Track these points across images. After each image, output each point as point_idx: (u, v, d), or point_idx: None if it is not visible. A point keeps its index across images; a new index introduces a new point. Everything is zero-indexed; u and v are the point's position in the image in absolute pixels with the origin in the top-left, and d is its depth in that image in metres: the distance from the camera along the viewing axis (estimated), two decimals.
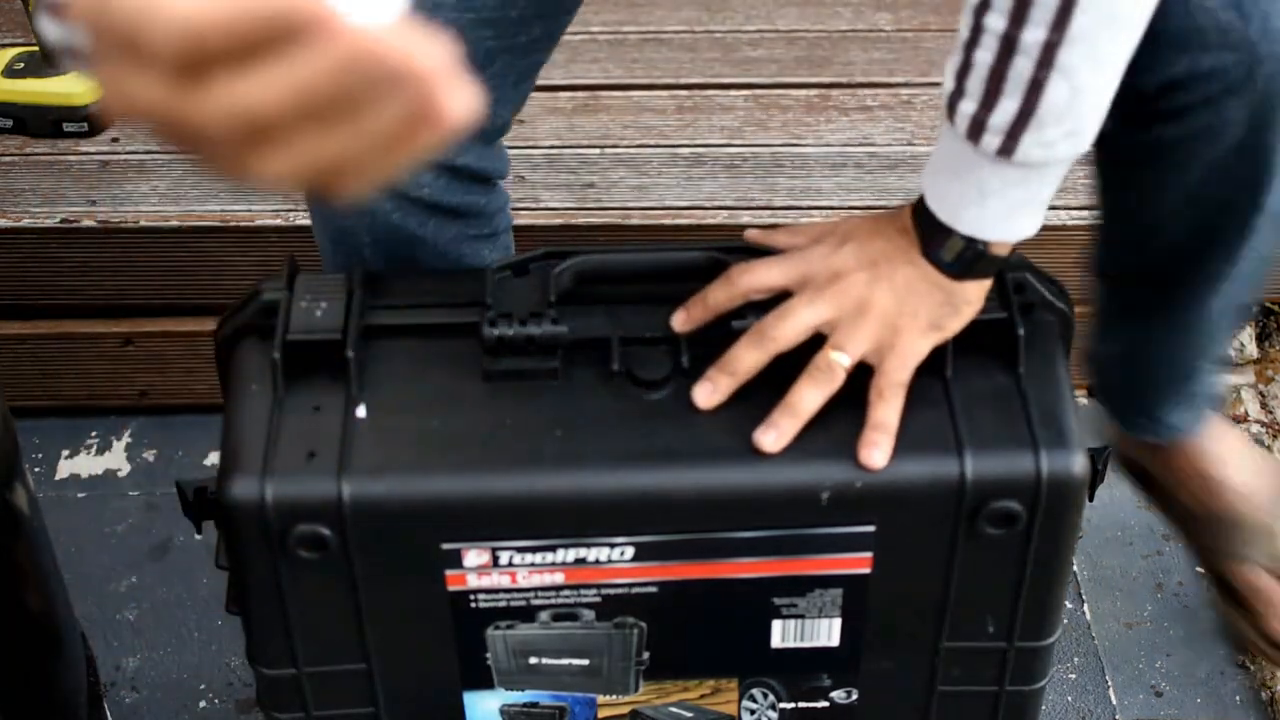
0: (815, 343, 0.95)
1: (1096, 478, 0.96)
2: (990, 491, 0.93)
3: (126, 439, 1.76)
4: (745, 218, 1.67)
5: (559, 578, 0.96)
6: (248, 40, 0.41)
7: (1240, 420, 1.72)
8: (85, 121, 1.75)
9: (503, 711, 1.03)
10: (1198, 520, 1.35)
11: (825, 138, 1.79)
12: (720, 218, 1.68)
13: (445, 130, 0.42)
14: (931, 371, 0.96)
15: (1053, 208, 1.66)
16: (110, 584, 1.59)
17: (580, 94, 1.87)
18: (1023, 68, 0.84)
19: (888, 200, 1.67)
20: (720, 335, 0.96)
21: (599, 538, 0.94)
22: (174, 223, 1.67)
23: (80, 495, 1.69)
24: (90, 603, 1.56)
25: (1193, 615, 1.56)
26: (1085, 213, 1.65)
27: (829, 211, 1.66)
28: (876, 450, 0.92)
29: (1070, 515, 0.95)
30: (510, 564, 0.95)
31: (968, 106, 0.88)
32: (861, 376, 0.94)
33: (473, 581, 0.96)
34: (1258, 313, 1.80)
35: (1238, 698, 1.49)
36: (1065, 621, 1.07)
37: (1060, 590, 1.00)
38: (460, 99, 0.42)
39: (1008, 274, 0.98)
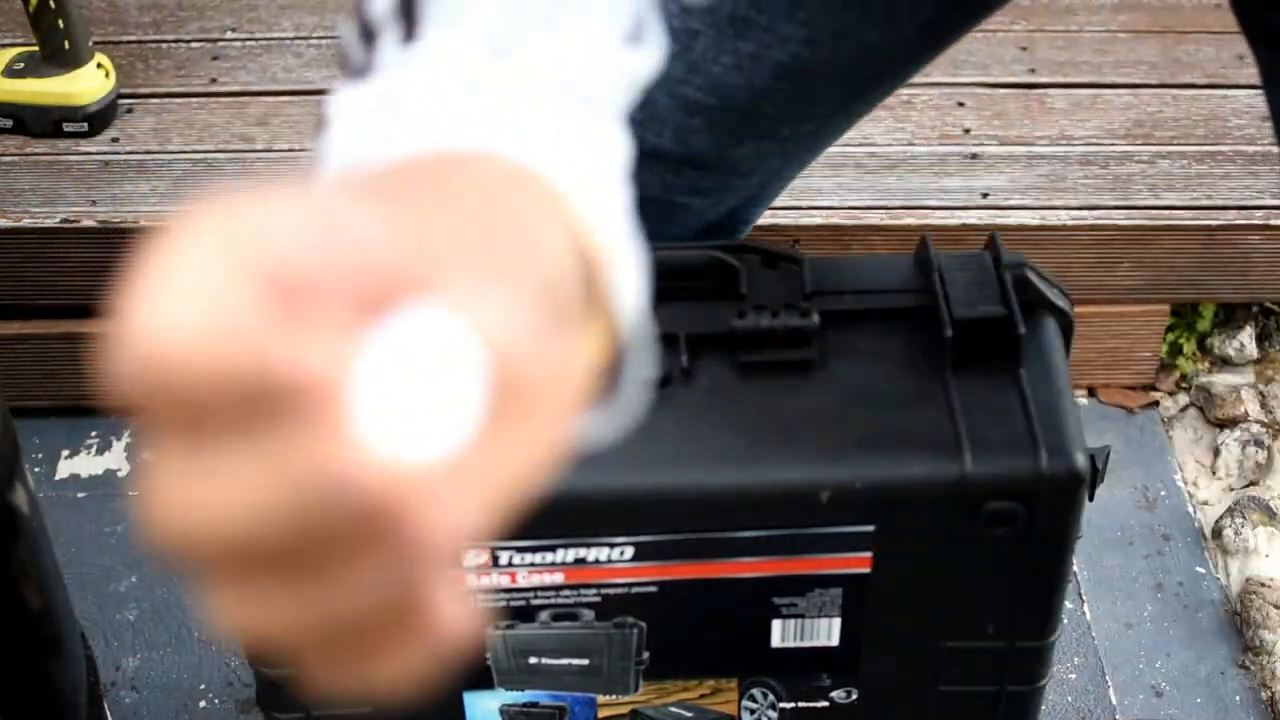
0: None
1: (1096, 477, 0.96)
2: (990, 491, 0.93)
3: (126, 439, 1.75)
4: None
5: (559, 577, 0.96)
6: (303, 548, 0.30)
7: (1240, 420, 1.72)
8: (85, 121, 1.75)
9: (502, 711, 1.03)
10: None
11: None
12: None
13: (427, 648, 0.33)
14: (932, 372, 0.96)
15: (1052, 208, 1.66)
16: (110, 584, 1.59)
17: None
18: None
19: (887, 201, 1.67)
20: (720, 335, 0.96)
21: (598, 538, 0.94)
22: None
23: (80, 495, 1.69)
24: (90, 603, 1.56)
25: (1193, 615, 1.56)
26: (1085, 213, 1.65)
27: (829, 212, 1.66)
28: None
29: (1070, 515, 0.95)
30: (510, 564, 0.95)
31: None
32: (866, 383, 0.94)
33: (472, 581, 0.96)
34: (1258, 312, 1.80)
35: (1238, 698, 1.49)
36: (1065, 621, 1.07)
37: (1060, 590, 1.00)
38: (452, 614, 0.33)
39: (1008, 273, 0.98)
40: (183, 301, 0.29)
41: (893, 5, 0.94)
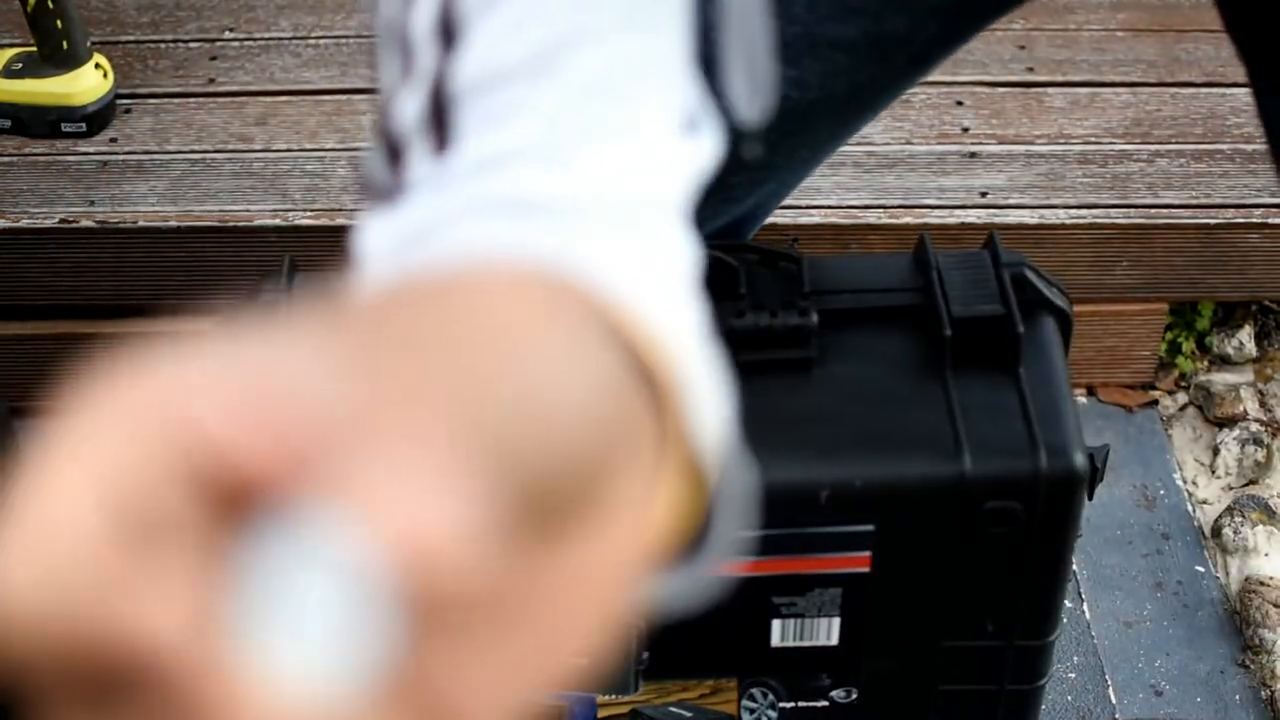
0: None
1: (1095, 477, 0.96)
2: (989, 490, 0.93)
3: None
4: None
5: None
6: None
7: (1239, 418, 1.72)
8: (84, 121, 1.75)
9: None
10: None
11: None
12: None
13: None
14: (931, 371, 0.96)
15: (1051, 206, 1.66)
16: None
17: None
18: None
19: (885, 200, 1.67)
20: (721, 334, 0.96)
21: None
22: (172, 223, 1.67)
23: None
24: None
25: (1192, 614, 1.56)
26: (1085, 212, 1.65)
27: (827, 211, 1.66)
28: None
29: (1069, 514, 0.95)
30: None
31: None
32: (863, 377, 0.94)
33: None
34: (1256, 310, 1.80)
35: (1237, 697, 1.49)
36: (1065, 621, 1.07)
37: (1060, 589, 1.00)
38: None
39: (1006, 272, 0.98)
40: (37, 557, 0.25)
41: (883, 46, 0.94)
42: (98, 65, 1.75)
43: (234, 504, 0.26)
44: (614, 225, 0.39)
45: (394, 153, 0.43)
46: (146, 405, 0.26)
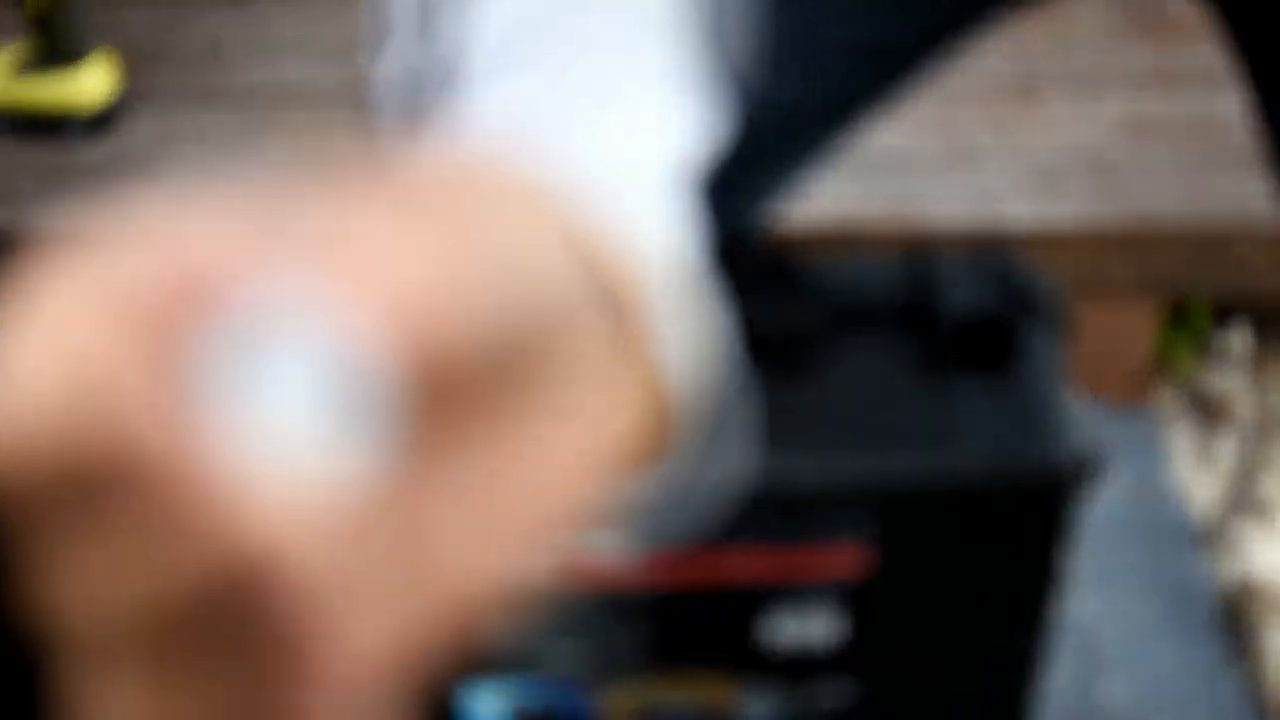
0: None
1: (1093, 477, 0.96)
2: (987, 490, 0.93)
3: None
4: None
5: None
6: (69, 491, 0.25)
7: (1237, 419, 1.73)
8: (86, 122, 1.75)
9: (502, 711, 1.04)
10: None
11: None
12: None
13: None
14: (930, 371, 0.96)
15: (1051, 207, 1.67)
16: None
17: None
18: None
19: (885, 200, 1.67)
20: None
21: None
22: None
23: None
24: None
25: (1188, 613, 1.57)
26: (1084, 212, 1.66)
27: (827, 210, 1.66)
28: None
29: (1067, 514, 0.95)
30: None
31: None
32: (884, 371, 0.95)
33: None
34: (1255, 311, 1.80)
35: (1233, 695, 1.50)
36: (1061, 620, 1.08)
37: (1056, 589, 1.00)
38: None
39: (1004, 272, 0.99)
40: (32, 355, 0.25)
41: (885, 50, 0.94)
42: (100, 65, 1.75)
43: (219, 306, 0.25)
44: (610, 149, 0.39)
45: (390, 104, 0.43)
46: (133, 236, 0.26)
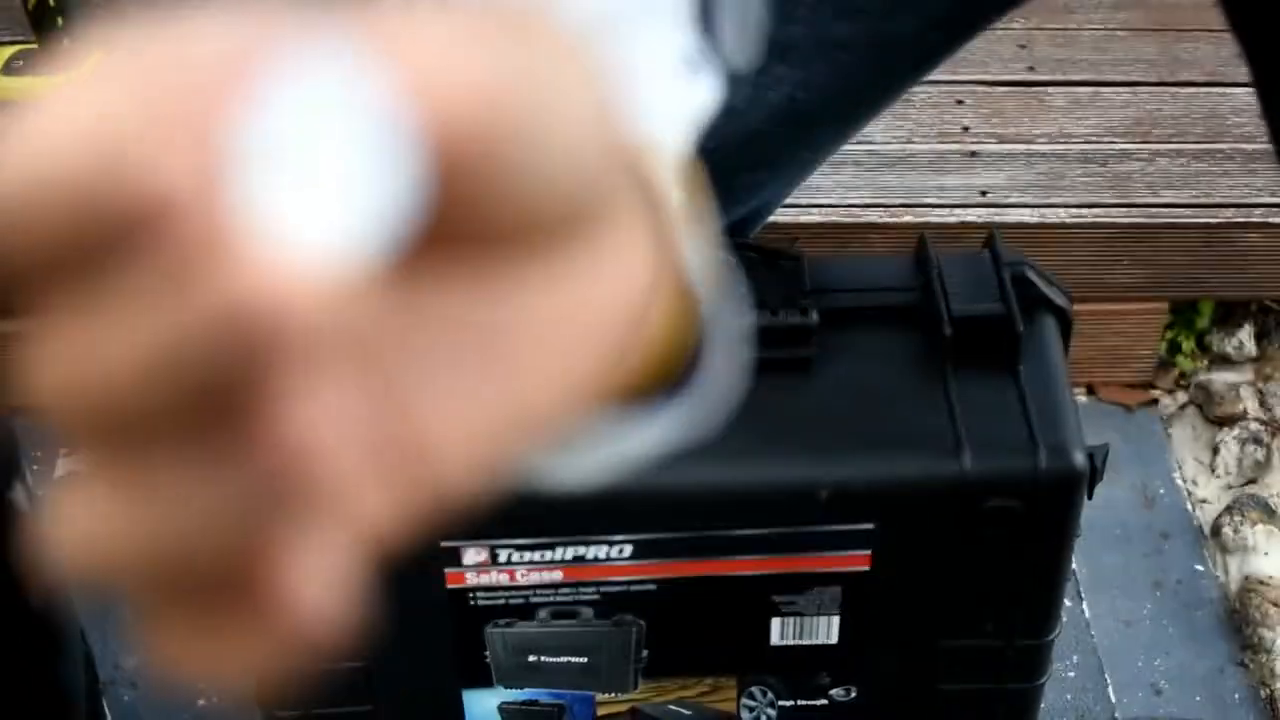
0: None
1: (1095, 476, 0.96)
2: (989, 490, 0.93)
3: None
4: None
5: (558, 575, 0.96)
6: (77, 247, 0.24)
7: (1239, 418, 1.72)
8: None
9: (501, 709, 1.03)
10: None
11: None
12: None
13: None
14: (931, 370, 0.96)
15: (1051, 205, 1.66)
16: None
17: None
18: None
19: (886, 199, 1.67)
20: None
21: (597, 535, 0.94)
22: None
23: None
24: (89, 600, 1.56)
25: (1191, 613, 1.56)
26: (1085, 211, 1.65)
27: (828, 210, 1.66)
28: None
29: (1069, 513, 0.95)
30: (509, 562, 0.95)
31: None
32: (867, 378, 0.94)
33: (471, 579, 0.96)
34: (1256, 310, 1.80)
35: (1237, 696, 1.49)
36: (1064, 620, 1.07)
37: (1059, 588, 1.00)
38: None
39: (1006, 271, 0.98)
40: (55, 111, 0.24)
41: (887, 46, 0.94)
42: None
43: (252, 78, 0.24)
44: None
45: None
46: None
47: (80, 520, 0.26)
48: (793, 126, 0.96)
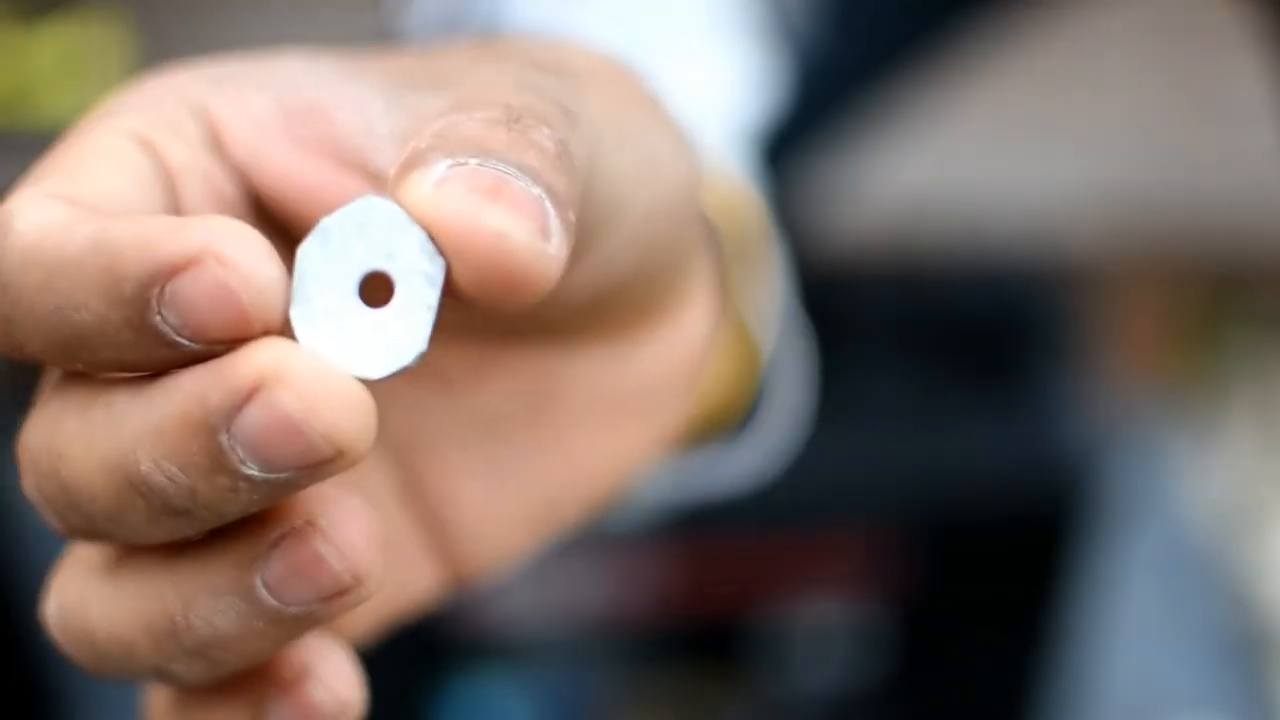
0: None
1: (1099, 476, 0.96)
2: (991, 492, 0.93)
3: None
4: None
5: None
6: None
7: (1241, 417, 1.72)
8: None
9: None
10: None
11: None
12: None
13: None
14: (931, 373, 0.96)
15: (1052, 207, 1.66)
16: None
17: None
18: None
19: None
20: None
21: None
22: None
23: None
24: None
25: (1199, 614, 1.56)
26: (1086, 211, 1.65)
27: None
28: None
29: (1071, 515, 0.95)
30: None
31: None
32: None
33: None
34: (1258, 310, 1.80)
35: (1243, 696, 1.49)
36: (1067, 621, 1.08)
37: (1063, 591, 1.00)
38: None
39: (1009, 272, 0.99)
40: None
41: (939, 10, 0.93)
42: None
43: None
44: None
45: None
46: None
47: (72, 597, 0.26)
48: (842, 86, 0.96)
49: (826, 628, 1.00)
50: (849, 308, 1.00)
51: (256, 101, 0.25)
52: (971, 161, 1.62)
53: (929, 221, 1.62)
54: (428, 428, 0.28)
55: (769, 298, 0.35)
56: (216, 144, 0.25)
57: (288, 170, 0.25)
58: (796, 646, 1.01)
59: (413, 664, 1.01)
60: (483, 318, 0.27)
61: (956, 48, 1.00)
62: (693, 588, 0.97)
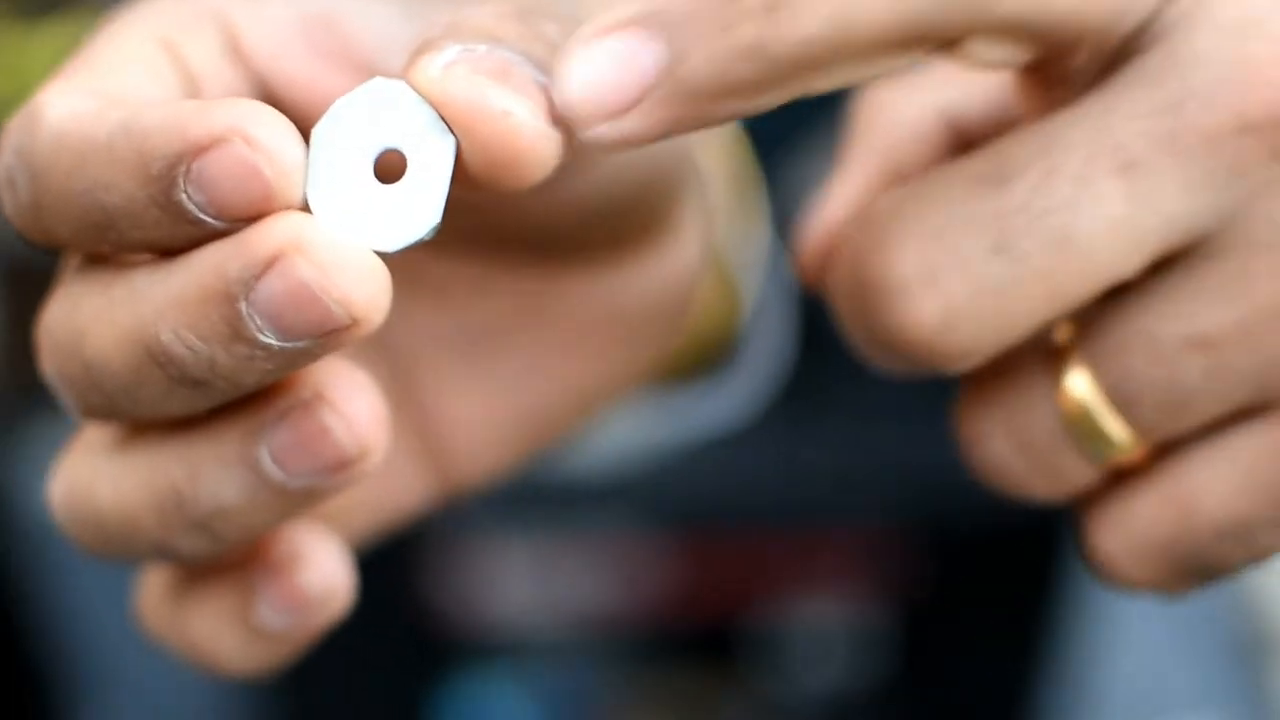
0: None
1: None
2: (990, 497, 0.93)
3: None
4: None
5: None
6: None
7: None
8: None
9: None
10: None
11: None
12: None
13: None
14: (930, 379, 0.96)
15: None
16: (110, 580, 1.60)
17: None
18: None
19: None
20: None
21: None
22: None
23: None
24: (89, 598, 1.56)
25: (1198, 615, 1.56)
26: None
27: None
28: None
29: (1069, 513, 0.95)
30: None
31: None
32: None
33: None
34: None
35: (1242, 697, 1.49)
36: (1066, 622, 1.08)
37: (1060, 592, 1.00)
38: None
39: None
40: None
41: None
42: None
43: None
44: None
45: None
46: None
47: (81, 475, 0.27)
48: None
49: (826, 628, 1.00)
50: None
51: (275, 10, 0.27)
52: None
53: None
54: (424, 339, 0.29)
55: (752, 244, 0.37)
56: (236, 51, 0.27)
57: (305, 78, 0.27)
58: (796, 646, 1.01)
59: (413, 664, 1.01)
60: (484, 228, 0.28)
61: None
62: (692, 587, 0.97)
